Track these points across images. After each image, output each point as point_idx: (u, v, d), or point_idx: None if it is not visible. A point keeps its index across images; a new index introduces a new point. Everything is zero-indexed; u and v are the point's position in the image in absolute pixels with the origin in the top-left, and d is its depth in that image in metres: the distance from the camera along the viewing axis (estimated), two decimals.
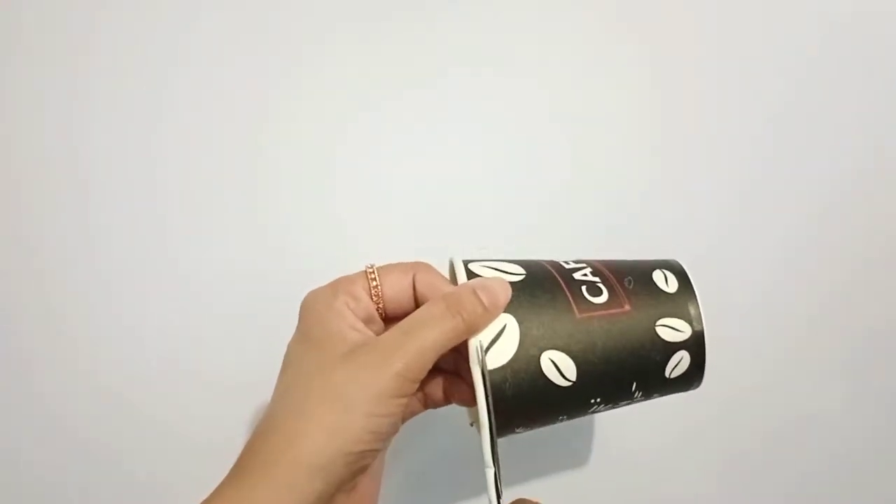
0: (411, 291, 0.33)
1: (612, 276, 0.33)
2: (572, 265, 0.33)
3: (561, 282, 0.32)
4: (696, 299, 0.32)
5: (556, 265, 0.33)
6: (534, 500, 0.31)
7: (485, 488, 0.29)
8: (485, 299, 0.30)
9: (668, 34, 0.49)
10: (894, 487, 0.58)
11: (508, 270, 0.32)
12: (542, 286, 0.31)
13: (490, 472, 0.28)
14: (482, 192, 0.49)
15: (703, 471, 0.55)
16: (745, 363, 0.53)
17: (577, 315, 0.30)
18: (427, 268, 0.34)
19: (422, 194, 0.48)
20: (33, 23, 0.44)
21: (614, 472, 0.53)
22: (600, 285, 0.32)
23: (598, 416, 0.52)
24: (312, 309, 0.32)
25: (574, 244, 0.49)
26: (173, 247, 0.46)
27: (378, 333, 0.32)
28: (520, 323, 0.30)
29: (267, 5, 0.45)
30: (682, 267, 0.34)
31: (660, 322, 0.31)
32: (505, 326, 0.30)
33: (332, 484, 0.27)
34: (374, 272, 0.33)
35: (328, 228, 0.47)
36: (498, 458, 0.28)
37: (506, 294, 0.31)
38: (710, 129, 0.51)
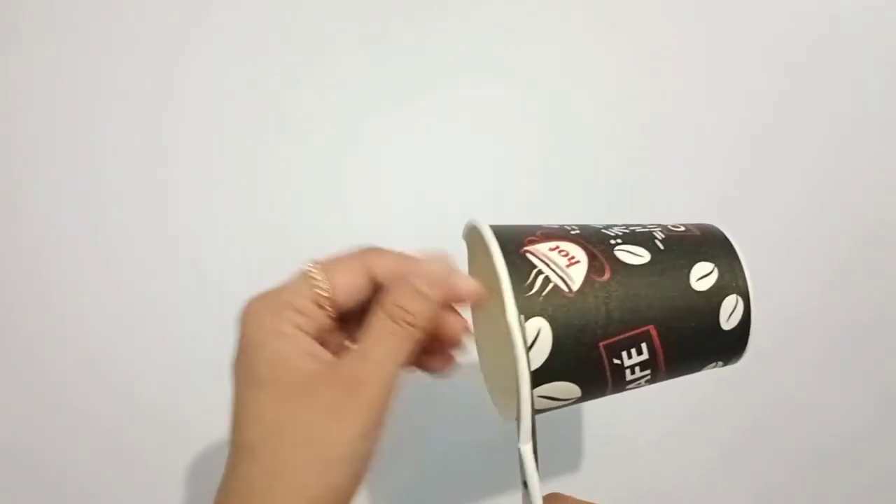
0: (368, 286, 0.29)
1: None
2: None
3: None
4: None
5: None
6: (569, 495, 0.30)
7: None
8: (426, 290, 0.28)
9: (655, 35, 0.51)
10: (883, 475, 0.58)
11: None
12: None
13: (527, 447, 0.27)
14: (481, 188, 0.49)
15: (694, 462, 0.55)
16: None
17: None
18: (378, 253, 0.30)
19: (424, 189, 0.48)
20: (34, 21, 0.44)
21: (607, 463, 0.53)
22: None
23: (590, 410, 0.52)
24: (255, 339, 0.27)
25: None
26: (185, 246, 0.46)
27: (332, 339, 0.29)
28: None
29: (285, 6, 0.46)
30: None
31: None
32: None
33: None
34: (317, 276, 0.29)
35: (339, 223, 0.47)
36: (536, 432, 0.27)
37: (451, 274, 0.28)
38: (700, 129, 0.52)
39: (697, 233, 0.33)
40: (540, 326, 0.28)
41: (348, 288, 0.29)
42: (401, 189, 0.48)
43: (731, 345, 0.32)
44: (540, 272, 0.29)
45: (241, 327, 0.28)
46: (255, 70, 0.46)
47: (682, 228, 0.33)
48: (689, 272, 0.30)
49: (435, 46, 0.48)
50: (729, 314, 0.31)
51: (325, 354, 0.28)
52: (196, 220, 0.46)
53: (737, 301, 0.31)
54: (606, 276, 0.29)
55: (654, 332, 0.30)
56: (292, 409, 0.26)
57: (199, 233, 0.46)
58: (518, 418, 0.27)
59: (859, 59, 0.53)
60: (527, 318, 0.28)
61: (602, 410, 0.51)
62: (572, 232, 0.31)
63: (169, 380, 0.46)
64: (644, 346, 0.30)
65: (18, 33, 0.44)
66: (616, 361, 0.30)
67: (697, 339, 0.31)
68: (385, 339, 0.27)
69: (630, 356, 0.30)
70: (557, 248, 0.30)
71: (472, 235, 0.33)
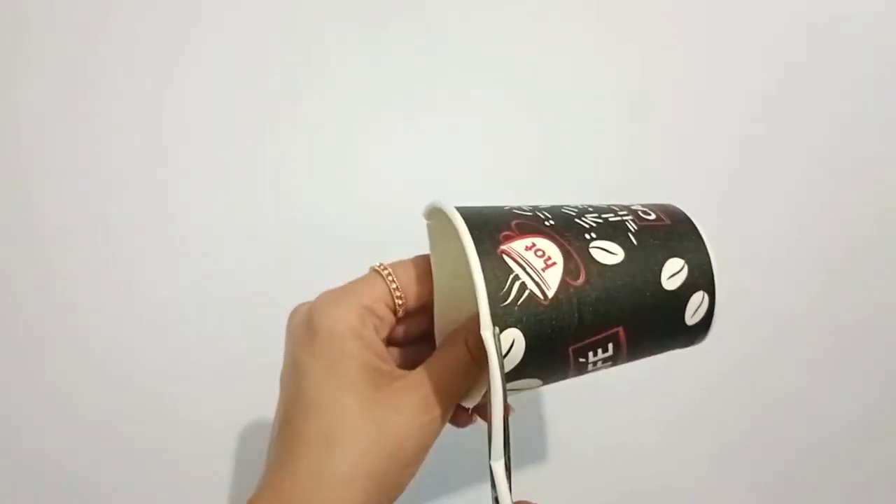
0: (431, 292, 0.31)
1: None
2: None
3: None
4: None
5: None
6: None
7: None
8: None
9: (654, 37, 0.52)
10: (883, 476, 0.58)
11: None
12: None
13: (499, 464, 0.27)
14: (483, 185, 0.51)
15: (693, 462, 0.54)
16: (733, 349, 0.53)
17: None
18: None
19: (428, 183, 0.50)
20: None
21: (605, 464, 0.53)
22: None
23: (581, 409, 0.51)
24: (335, 335, 0.28)
25: None
26: (192, 243, 0.47)
27: (391, 336, 0.31)
28: None
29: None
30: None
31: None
32: None
33: None
34: (392, 277, 0.30)
35: (345, 220, 0.49)
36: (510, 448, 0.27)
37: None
38: (699, 130, 0.53)
39: (668, 222, 0.32)
40: (514, 337, 0.27)
41: (418, 292, 0.31)
42: (405, 184, 0.50)
43: (693, 336, 0.32)
44: (517, 277, 0.27)
45: (317, 322, 0.28)
46: (260, 68, 0.48)
47: (653, 217, 0.32)
48: (660, 270, 0.30)
49: (437, 46, 0.50)
50: (694, 310, 0.31)
51: (391, 362, 0.30)
52: (202, 216, 0.48)
53: (703, 297, 0.31)
54: (581, 279, 0.28)
55: (621, 333, 0.30)
56: (377, 412, 0.27)
57: (205, 229, 0.48)
58: (489, 433, 0.27)
59: (858, 60, 0.53)
60: (501, 330, 0.27)
61: (600, 412, 0.51)
62: (547, 223, 0.30)
63: (173, 374, 0.47)
64: (610, 345, 0.30)
65: (19, 34, 0.46)
66: (581, 360, 0.29)
67: (661, 334, 0.31)
68: (457, 367, 0.30)
69: (595, 354, 0.30)
70: (534, 246, 0.28)
71: (439, 219, 0.31)
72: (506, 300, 0.27)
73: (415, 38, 0.50)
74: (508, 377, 0.28)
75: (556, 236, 0.29)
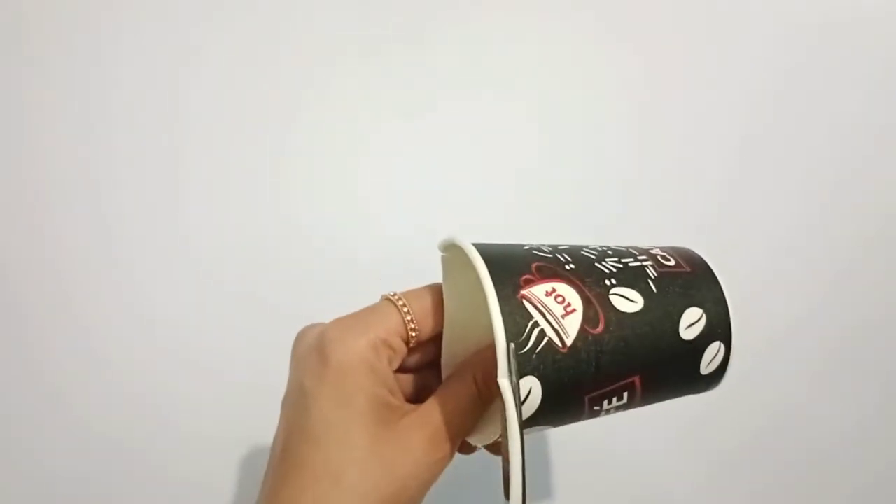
0: (442, 323, 0.31)
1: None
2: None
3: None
4: None
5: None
6: None
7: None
8: None
9: (655, 41, 0.51)
10: (884, 484, 0.57)
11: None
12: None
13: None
14: (484, 194, 0.50)
15: (695, 472, 0.54)
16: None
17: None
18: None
19: (428, 193, 0.50)
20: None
21: (609, 474, 0.53)
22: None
23: (590, 424, 0.51)
24: (347, 365, 0.27)
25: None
26: (195, 245, 0.47)
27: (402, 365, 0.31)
28: None
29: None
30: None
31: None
32: None
33: None
34: (407, 308, 0.30)
35: (347, 230, 0.49)
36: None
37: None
38: (700, 136, 0.52)
39: (687, 269, 0.32)
40: (531, 386, 0.27)
41: (433, 325, 0.30)
42: (407, 194, 0.50)
43: (707, 384, 0.32)
44: (536, 324, 0.27)
45: (330, 350, 0.28)
46: (262, 77, 0.48)
47: (672, 263, 0.32)
48: (678, 319, 0.30)
49: (438, 55, 0.50)
50: (710, 360, 0.31)
51: (401, 396, 0.30)
52: (204, 223, 0.48)
53: (719, 347, 0.31)
54: (600, 328, 0.28)
55: (637, 382, 0.29)
56: (383, 449, 0.27)
57: (207, 236, 0.48)
58: (504, 476, 0.27)
59: (860, 66, 0.53)
60: (519, 377, 0.26)
61: (603, 423, 0.50)
62: (567, 266, 0.29)
63: (173, 381, 0.47)
64: (626, 393, 0.29)
65: (20, 35, 0.46)
66: (596, 408, 0.29)
67: (676, 382, 0.31)
68: (465, 402, 0.29)
69: (610, 402, 0.29)
70: (554, 292, 0.28)
71: (454, 253, 0.30)
72: (524, 347, 0.27)
73: (416, 46, 0.50)
74: (524, 424, 0.28)
75: (577, 281, 0.29)
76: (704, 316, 0.30)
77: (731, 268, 0.51)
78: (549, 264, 0.29)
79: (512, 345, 0.26)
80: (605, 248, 0.32)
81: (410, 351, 0.31)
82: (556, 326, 0.27)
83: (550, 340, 0.27)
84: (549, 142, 0.51)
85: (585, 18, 0.50)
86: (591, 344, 0.28)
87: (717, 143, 0.52)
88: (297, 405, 0.28)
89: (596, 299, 0.28)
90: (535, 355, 0.27)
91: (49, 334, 0.45)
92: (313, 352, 0.29)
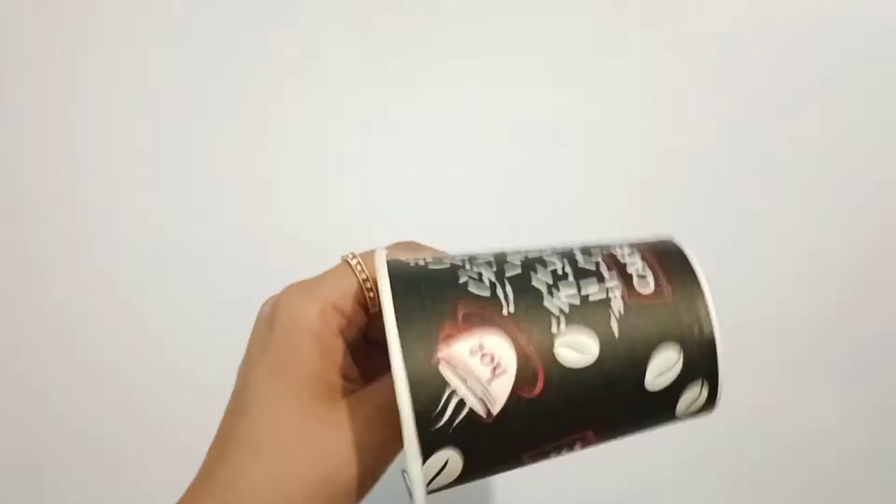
0: None
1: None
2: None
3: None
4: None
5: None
6: None
7: None
8: None
9: (656, 42, 0.49)
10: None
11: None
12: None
13: None
14: (480, 188, 0.50)
15: (706, 495, 0.54)
16: (746, 379, 0.50)
17: None
18: (408, 247, 0.28)
19: (422, 187, 0.49)
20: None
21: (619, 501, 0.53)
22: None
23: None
24: (292, 335, 0.25)
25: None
26: (186, 250, 0.47)
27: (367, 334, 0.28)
28: None
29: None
30: None
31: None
32: None
33: None
34: (361, 267, 0.26)
35: (337, 223, 0.48)
36: None
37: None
38: (707, 140, 0.50)
39: (667, 295, 0.25)
40: (448, 457, 0.23)
41: None
42: (399, 188, 0.49)
43: (688, 419, 0.27)
44: (454, 393, 0.23)
45: (276, 315, 0.25)
46: (248, 72, 0.47)
47: (651, 286, 0.25)
48: (644, 369, 0.24)
49: (437, 47, 0.48)
50: (689, 404, 0.26)
51: (355, 373, 0.27)
52: (193, 221, 0.47)
53: (702, 386, 0.25)
54: (538, 388, 0.23)
55: (591, 434, 0.25)
56: (313, 427, 0.24)
57: (197, 234, 0.47)
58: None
59: (860, 65, 0.50)
60: (431, 452, 0.23)
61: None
62: (504, 311, 0.24)
63: (164, 379, 0.48)
64: (577, 444, 0.25)
65: (20, 36, 0.45)
66: (539, 459, 0.26)
67: (644, 427, 0.26)
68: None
69: (559, 453, 0.26)
70: (481, 350, 0.23)
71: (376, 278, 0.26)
72: (439, 422, 0.23)
73: (407, 44, 0.48)
74: (447, 486, 0.25)
75: (514, 331, 0.24)
76: (681, 359, 0.25)
77: (743, 288, 0.49)
78: (480, 309, 0.24)
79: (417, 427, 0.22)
80: (570, 265, 0.26)
81: (373, 318, 0.28)
82: (480, 394, 0.23)
83: (472, 410, 0.23)
84: (544, 142, 0.50)
85: (580, 19, 0.49)
86: (524, 408, 0.23)
87: (717, 143, 0.51)
88: (240, 376, 0.27)
89: (537, 353, 0.23)
90: (451, 429, 0.23)
91: (40, 342, 0.46)
92: (266, 316, 0.27)
